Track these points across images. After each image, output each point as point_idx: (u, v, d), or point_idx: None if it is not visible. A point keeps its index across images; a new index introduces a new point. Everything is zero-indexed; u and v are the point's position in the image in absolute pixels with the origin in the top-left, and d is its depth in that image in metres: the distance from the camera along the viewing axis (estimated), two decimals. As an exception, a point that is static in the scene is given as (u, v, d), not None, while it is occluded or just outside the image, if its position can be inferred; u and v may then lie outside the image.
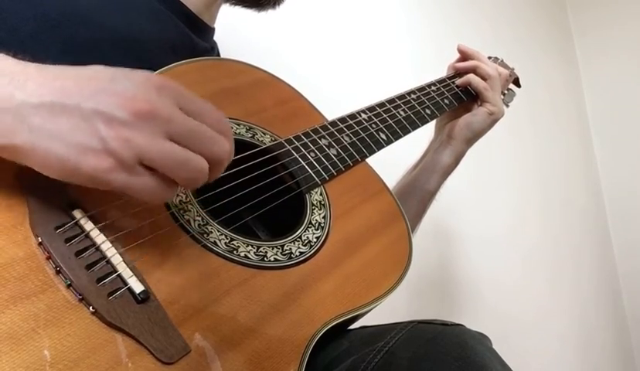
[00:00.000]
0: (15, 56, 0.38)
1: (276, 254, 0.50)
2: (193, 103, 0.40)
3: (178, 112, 0.39)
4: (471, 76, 0.85)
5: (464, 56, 0.89)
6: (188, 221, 0.48)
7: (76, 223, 0.40)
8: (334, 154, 0.63)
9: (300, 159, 0.60)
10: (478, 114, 0.85)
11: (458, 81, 0.86)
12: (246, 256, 0.48)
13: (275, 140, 0.60)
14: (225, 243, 0.48)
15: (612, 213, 2.21)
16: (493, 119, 0.85)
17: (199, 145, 0.39)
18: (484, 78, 0.85)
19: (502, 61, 0.96)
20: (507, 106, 0.92)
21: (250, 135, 0.59)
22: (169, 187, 0.39)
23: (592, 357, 1.89)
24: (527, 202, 1.76)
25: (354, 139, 0.66)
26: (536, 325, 1.64)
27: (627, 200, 2.15)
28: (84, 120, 0.36)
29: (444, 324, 0.50)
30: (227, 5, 0.77)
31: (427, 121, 0.78)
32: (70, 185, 0.38)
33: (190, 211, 0.49)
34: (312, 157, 0.61)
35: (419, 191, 0.86)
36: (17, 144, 0.36)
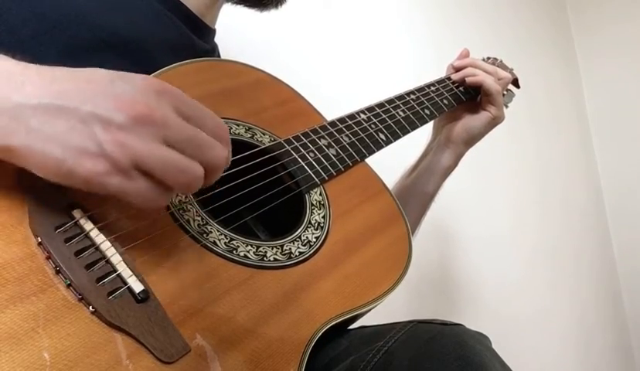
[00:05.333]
0: (14, 56, 0.38)
1: (275, 254, 0.51)
2: (192, 109, 0.40)
3: (175, 117, 0.39)
4: (482, 78, 0.84)
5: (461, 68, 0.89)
6: (188, 221, 0.48)
7: (76, 223, 0.40)
8: (333, 155, 0.63)
9: (299, 159, 0.60)
10: (479, 117, 0.85)
11: (469, 79, 0.85)
12: (245, 256, 0.48)
13: (274, 140, 0.61)
14: (224, 242, 0.48)
15: (612, 213, 2.20)
16: (495, 123, 0.85)
17: (195, 151, 0.39)
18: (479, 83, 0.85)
19: (501, 61, 0.96)
20: (506, 106, 0.92)
21: (249, 135, 0.59)
22: (164, 192, 0.39)
23: (592, 357, 1.89)
24: (527, 202, 1.76)
25: (353, 139, 0.66)
26: (536, 325, 1.64)
27: (627, 200, 2.15)
28: (81, 123, 0.36)
29: (444, 324, 0.50)
30: (229, 4, 0.77)
31: (426, 122, 0.78)
32: None
33: (190, 211, 0.49)
34: (311, 157, 0.61)
35: (419, 193, 0.86)
36: (13, 145, 0.35)
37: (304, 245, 0.53)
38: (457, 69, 0.88)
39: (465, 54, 0.91)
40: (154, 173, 0.38)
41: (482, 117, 0.85)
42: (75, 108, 0.36)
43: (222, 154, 0.41)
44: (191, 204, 0.49)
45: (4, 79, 0.36)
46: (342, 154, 0.64)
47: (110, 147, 0.36)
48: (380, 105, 0.74)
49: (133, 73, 0.40)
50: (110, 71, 0.39)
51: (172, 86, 0.40)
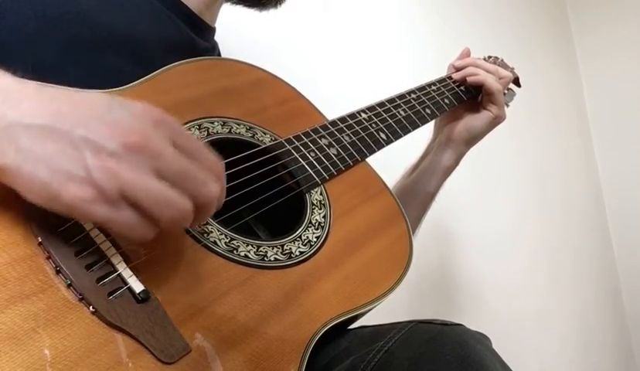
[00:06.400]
0: (14, 73, 0.37)
1: (276, 254, 0.50)
2: (189, 143, 0.39)
3: (170, 149, 0.37)
4: (483, 77, 0.84)
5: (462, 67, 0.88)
6: (189, 221, 0.47)
7: (77, 223, 0.40)
8: (334, 154, 0.63)
9: (300, 159, 0.60)
10: (480, 117, 0.84)
11: (470, 79, 0.84)
12: (246, 256, 0.48)
13: (275, 139, 0.60)
14: (225, 242, 0.48)
15: (612, 213, 2.20)
16: (496, 123, 0.85)
17: (186, 186, 0.38)
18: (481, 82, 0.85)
19: (502, 61, 0.96)
20: (507, 106, 0.92)
21: (250, 135, 0.59)
22: (150, 225, 0.37)
23: (592, 357, 1.89)
24: (527, 202, 1.76)
25: (354, 139, 0.66)
26: (536, 325, 1.64)
27: (627, 200, 2.15)
28: (72, 147, 0.35)
29: (444, 324, 0.50)
30: (229, 4, 0.77)
31: (428, 121, 0.78)
32: None
33: (190, 211, 0.49)
34: (312, 156, 0.61)
35: (420, 193, 0.86)
36: (4, 164, 0.34)
37: (305, 245, 0.53)
38: (458, 69, 0.88)
39: (466, 53, 0.91)
40: (140, 204, 0.36)
41: (483, 116, 0.84)
42: (67, 131, 0.35)
43: (214, 191, 0.39)
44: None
45: (1, 97, 0.35)
46: (343, 154, 0.64)
47: (99, 174, 0.34)
48: (381, 104, 0.74)
49: (133, 101, 0.39)
50: (112, 97, 0.38)
51: (172, 117, 0.39)
